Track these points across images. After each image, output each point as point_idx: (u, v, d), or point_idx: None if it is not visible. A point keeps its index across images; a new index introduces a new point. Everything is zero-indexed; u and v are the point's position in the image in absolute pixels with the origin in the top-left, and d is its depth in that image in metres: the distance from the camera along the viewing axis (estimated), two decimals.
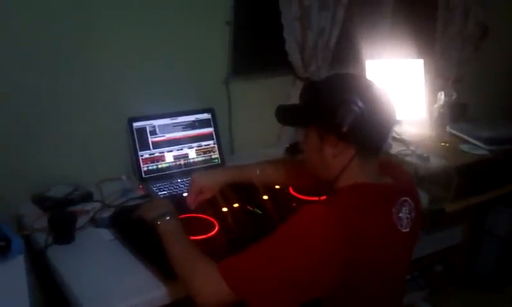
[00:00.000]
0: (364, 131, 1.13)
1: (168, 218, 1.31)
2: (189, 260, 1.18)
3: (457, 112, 2.63)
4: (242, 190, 1.66)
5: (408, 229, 1.19)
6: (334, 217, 1.07)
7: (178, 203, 1.58)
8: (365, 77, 1.23)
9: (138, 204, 1.54)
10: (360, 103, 1.11)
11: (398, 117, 1.22)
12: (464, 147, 2.36)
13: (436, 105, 2.61)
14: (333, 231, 1.06)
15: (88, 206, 1.68)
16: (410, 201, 1.22)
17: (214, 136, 2.05)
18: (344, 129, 1.11)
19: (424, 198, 2.03)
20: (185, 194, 1.63)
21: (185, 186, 1.85)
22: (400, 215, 1.18)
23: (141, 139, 1.89)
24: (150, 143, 1.90)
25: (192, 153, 1.99)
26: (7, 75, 1.64)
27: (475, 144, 2.36)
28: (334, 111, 1.12)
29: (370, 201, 1.14)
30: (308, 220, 1.09)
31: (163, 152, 1.93)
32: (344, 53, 2.42)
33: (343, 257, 1.06)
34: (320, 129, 1.18)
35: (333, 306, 1.14)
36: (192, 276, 1.15)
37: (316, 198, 1.24)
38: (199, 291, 1.12)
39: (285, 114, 1.32)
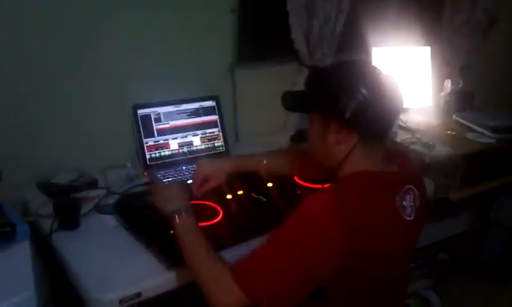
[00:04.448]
0: (367, 118, 1.12)
1: (183, 214, 1.26)
2: (202, 264, 1.17)
3: (463, 101, 2.61)
4: (247, 177, 1.65)
5: (412, 218, 1.19)
6: (337, 206, 1.07)
7: None
8: (371, 64, 1.22)
9: (146, 190, 1.49)
10: (364, 90, 1.11)
11: (404, 105, 1.21)
12: (471, 135, 2.34)
13: (442, 93, 2.59)
14: (338, 221, 1.06)
15: (93, 193, 1.68)
16: (415, 189, 1.21)
17: (219, 124, 2.04)
18: (347, 115, 1.11)
19: (430, 186, 2.02)
20: (189, 181, 1.64)
21: (189, 173, 1.85)
22: (404, 203, 1.17)
23: (145, 127, 1.89)
24: (155, 130, 1.90)
25: (196, 141, 1.99)
26: (13, 63, 1.64)
27: (482, 133, 2.34)
28: (337, 97, 1.12)
29: (373, 190, 1.14)
30: (313, 211, 1.09)
31: (168, 139, 1.93)
32: (350, 40, 2.40)
33: (347, 246, 1.06)
34: (324, 115, 1.18)
35: (338, 293, 1.15)
36: (206, 282, 1.14)
37: (320, 186, 1.24)
38: (212, 297, 1.12)
39: (290, 100, 1.32)
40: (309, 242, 1.06)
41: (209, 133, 2.02)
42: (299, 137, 2.08)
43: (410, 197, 1.20)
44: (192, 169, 1.88)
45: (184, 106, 1.98)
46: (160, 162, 1.90)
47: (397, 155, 1.30)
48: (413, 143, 2.16)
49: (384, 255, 1.14)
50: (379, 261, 1.13)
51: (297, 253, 1.07)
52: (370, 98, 1.11)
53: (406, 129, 2.29)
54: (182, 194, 1.32)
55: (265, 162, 1.59)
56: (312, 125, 1.24)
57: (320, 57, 2.25)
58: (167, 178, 1.81)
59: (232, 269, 1.11)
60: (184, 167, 1.89)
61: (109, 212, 1.57)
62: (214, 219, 1.50)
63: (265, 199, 1.62)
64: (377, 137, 1.19)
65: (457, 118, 2.50)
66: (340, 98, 1.11)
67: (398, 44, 2.44)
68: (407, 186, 1.20)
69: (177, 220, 1.24)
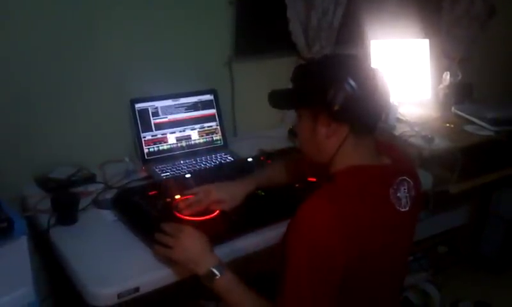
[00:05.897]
0: (356, 110, 1.12)
1: (217, 275, 1.21)
2: None
3: (462, 93, 2.61)
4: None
5: (407, 209, 1.18)
6: (334, 210, 1.07)
7: (180, 184, 1.60)
8: (358, 57, 1.22)
9: (159, 238, 1.31)
10: (352, 82, 1.10)
11: (392, 97, 1.20)
12: (469, 128, 2.34)
13: (441, 86, 2.59)
14: (337, 225, 1.06)
15: (91, 188, 1.68)
16: (409, 179, 1.21)
17: (217, 117, 2.04)
18: (336, 108, 1.10)
19: (428, 179, 2.02)
20: (188, 175, 1.63)
21: (188, 168, 1.85)
22: (398, 194, 1.17)
23: (143, 121, 1.88)
24: (153, 124, 1.90)
25: (194, 135, 1.98)
26: (12, 59, 1.64)
27: (480, 125, 2.34)
28: (325, 90, 1.11)
29: (367, 185, 1.14)
30: (311, 227, 1.07)
31: (166, 134, 1.92)
32: (348, 33, 2.39)
33: (347, 247, 1.06)
34: (312, 110, 1.17)
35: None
36: None
37: (315, 179, 1.24)
38: None
39: (277, 98, 1.30)
40: (319, 258, 1.06)
41: (207, 127, 2.02)
42: None
43: (405, 189, 1.19)
44: (190, 163, 1.88)
45: (182, 100, 1.97)
46: (159, 156, 1.89)
47: (389, 147, 1.29)
48: (411, 136, 2.15)
49: (382, 251, 1.14)
50: (377, 258, 1.13)
51: (315, 271, 1.06)
52: (358, 90, 1.10)
53: (405, 122, 2.28)
54: (206, 246, 1.27)
55: (271, 173, 1.61)
56: (301, 120, 1.23)
57: (319, 49, 2.25)
58: (165, 173, 1.80)
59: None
60: (182, 161, 1.89)
61: (107, 207, 1.57)
62: (212, 213, 1.50)
63: (263, 193, 1.62)
64: (367, 128, 1.18)
65: (456, 111, 2.49)
66: (328, 90, 1.10)
67: (397, 36, 2.43)
68: (401, 177, 1.19)
69: (214, 285, 1.21)
